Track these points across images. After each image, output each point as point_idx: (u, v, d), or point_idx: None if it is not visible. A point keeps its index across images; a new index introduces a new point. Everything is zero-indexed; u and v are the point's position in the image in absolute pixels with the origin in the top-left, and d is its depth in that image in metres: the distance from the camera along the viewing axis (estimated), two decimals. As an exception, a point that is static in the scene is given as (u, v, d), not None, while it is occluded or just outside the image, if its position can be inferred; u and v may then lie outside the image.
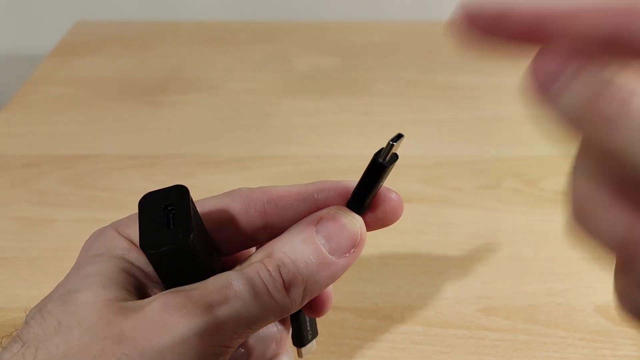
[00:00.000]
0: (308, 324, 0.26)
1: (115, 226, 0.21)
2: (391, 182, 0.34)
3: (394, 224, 0.38)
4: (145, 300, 0.19)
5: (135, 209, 0.20)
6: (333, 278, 0.21)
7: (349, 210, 0.22)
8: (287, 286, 0.20)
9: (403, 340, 0.30)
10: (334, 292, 0.32)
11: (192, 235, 0.19)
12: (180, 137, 0.45)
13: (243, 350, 0.24)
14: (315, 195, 0.22)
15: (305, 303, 0.21)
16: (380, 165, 0.22)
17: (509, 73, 0.53)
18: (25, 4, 0.68)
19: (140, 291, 0.20)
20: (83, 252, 0.22)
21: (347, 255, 0.21)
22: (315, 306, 0.25)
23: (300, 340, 0.25)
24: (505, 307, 0.31)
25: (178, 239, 0.19)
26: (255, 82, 0.52)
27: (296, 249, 0.20)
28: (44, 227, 0.37)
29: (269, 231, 0.22)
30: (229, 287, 0.19)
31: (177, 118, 0.48)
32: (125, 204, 0.38)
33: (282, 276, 0.20)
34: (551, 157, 0.42)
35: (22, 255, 0.35)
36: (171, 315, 0.18)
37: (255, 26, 0.62)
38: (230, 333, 0.19)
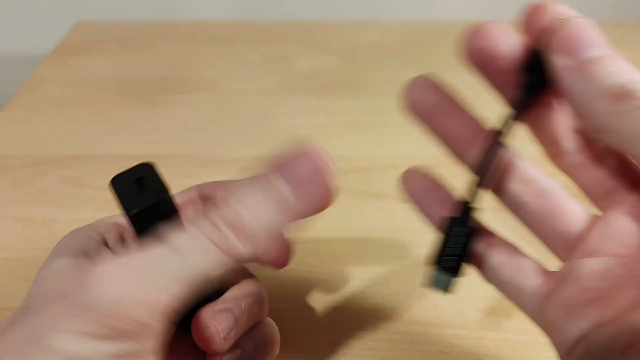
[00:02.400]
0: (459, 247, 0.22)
1: (86, 226, 0.23)
2: (392, 182, 0.34)
3: (395, 223, 0.39)
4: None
5: None
6: (296, 223, 0.20)
7: (313, 146, 0.20)
8: (242, 237, 0.19)
9: (403, 340, 0.30)
10: (333, 292, 0.33)
11: (168, 192, 0.20)
12: (180, 137, 0.45)
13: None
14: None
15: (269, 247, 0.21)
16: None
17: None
18: (25, 4, 0.69)
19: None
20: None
21: (311, 196, 0.20)
22: (276, 257, 0.25)
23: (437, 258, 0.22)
24: (506, 307, 0.31)
25: (158, 196, 0.20)
26: (256, 82, 0.52)
27: (251, 195, 0.19)
28: (44, 227, 0.37)
29: None
30: (169, 247, 0.18)
31: (177, 118, 0.48)
32: (125, 204, 0.38)
33: (233, 225, 0.19)
34: (551, 157, 0.42)
35: (22, 255, 0.35)
36: (108, 277, 0.18)
37: (255, 26, 0.62)
38: (177, 284, 0.18)
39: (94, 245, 0.22)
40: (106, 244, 0.22)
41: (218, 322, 0.22)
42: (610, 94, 0.17)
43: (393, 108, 0.50)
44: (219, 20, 0.66)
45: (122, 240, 0.23)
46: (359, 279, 0.33)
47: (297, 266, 0.26)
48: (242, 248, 0.19)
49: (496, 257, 0.22)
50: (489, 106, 0.52)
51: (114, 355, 0.17)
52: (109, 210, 0.32)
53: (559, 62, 0.18)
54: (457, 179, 0.40)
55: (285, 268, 0.28)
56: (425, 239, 0.36)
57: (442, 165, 0.43)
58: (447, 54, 0.58)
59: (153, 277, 0.18)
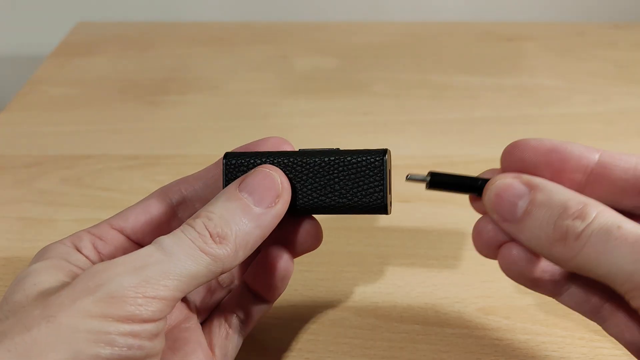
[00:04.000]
0: None
1: (62, 240, 0.24)
2: (392, 182, 0.34)
3: (395, 223, 0.39)
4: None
5: None
6: (263, 229, 0.22)
7: (269, 165, 0.24)
8: (217, 240, 0.21)
9: (402, 339, 0.30)
10: (333, 292, 0.33)
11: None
12: (181, 137, 0.45)
13: None
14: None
15: (244, 257, 0.22)
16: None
17: (508, 74, 0.53)
18: (26, 4, 0.69)
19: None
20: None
21: (273, 205, 0.23)
22: (267, 287, 0.26)
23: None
24: (505, 306, 0.31)
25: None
26: (256, 82, 0.52)
27: (221, 205, 0.22)
28: (45, 226, 0.37)
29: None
30: (157, 249, 0.21)
31: (178, 118, 0.48)
32: (125, 204, 0.38)
33: (209, 230, 0.21)
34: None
35: (23, 255, 0.35)
36: (100, 277, 0.19)
37: (255, 27, 0.62)
38: (165, 288, 0.20)
39: (72, 253, 0.23)
40: (81, 252, 0.24)
41: None
42: (554, 240, 0.20)
43: (393, 108, 0.50)
44: (219, 21, 0.66)
45: (94, 248, 0.24)
46: (359, 278, 0.33)
47: (296, 266, 0.27)
48: (219, 249, 0.21)
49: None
50: (489, 106, 0.53)
51: (128, 334, 0.19)
52: (109, 210, 0.32)
53: (507, 229, 0.22)
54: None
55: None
56: (424, 238, 0.36)
57: (442, 165, 0.43)
58: (447, 55, 0.58)
59: (148, 272, 0.20)
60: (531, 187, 0.21)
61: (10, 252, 0.35)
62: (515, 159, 0.23)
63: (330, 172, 0.24)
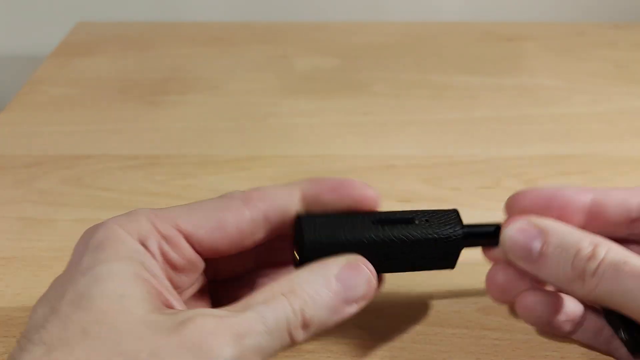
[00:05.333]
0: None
1: (121, 224, 0.21)
2: (391, 182, 0.34)
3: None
4: (178, 317, 0.19)
5: (135, 207, 0.21)
6: (338, 323, 0.22)
7: (366, 260, 0.23)
8: (304, 326, 0.21)
9: (402, 339, 0.30)
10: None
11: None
12: (181, 137, 0.45)
13: None
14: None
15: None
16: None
17: (508, 74, 0.53)
18: (26, 4, 0.69)
19: (156, 298, 0.20)
20: (81, 249, 0.21)
21: (356, 304, 0.23)
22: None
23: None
24: (505, 306, 0.31)
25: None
26: (256, 82, 0.52)
27: (319, 291, 0.21)
28: (45, 226, 0.37)
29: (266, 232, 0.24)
30: (260, 320, 0.20)
31: (178, 118, 0.48)
32: (126, 204, 0.38)
33: (303, 316, 0.21)
34: (550, 156, 0.42)
35: (23, 255, 0.35)
36: (207, 341, 0.18)
37: (255, 27, 0.62)
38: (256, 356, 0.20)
39: (151, 265, 0.21)
40: (152, 255, 0.22)
41: None
42: (573, 278, 0.22)
43: (393, 108, 0.50)
44: (219, 21, 0.66)
45: (162, 254, 0.22)
46: (359, 278, 0.33)
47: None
48: (301, 335, 0.21)
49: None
50: (489, 106, 0.53)
51: None
52: (109, 210, 0.32)
53: (527, 269, 0.24)
54: (457, 178, 0.40)
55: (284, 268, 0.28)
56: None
57: (442, 165, 0.43)
58: (447, 55, 0.58)
59: (245, 346, 0.19)
60: (543, 230, 0.23)
61: (10, 252, 0.35)
62: (520, 210, 0.25)
63: (410, 247, 0.25)
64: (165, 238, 0.22)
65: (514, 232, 0.24)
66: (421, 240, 0.24)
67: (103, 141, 0.45)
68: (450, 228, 0.25)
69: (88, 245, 0.21)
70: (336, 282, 0.22)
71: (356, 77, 0.53)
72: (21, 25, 0.70)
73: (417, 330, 0.30)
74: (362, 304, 0.23)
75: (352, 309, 0.22)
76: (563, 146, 0.44)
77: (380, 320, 0.31)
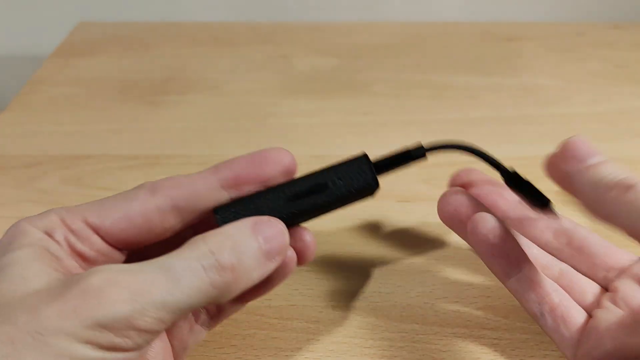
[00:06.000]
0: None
1: (29, 221, 0.22)
2: (392, 182, 0.34)
3: (394, 223, 0.39)
4: (73, 278, 0.19)
5: None
6: (258, 279, 0.22)
7: (278, 219, 0.23)
8: (229, 272, 0.20)
9: (402, 338, 0.30)
10: (333, 292, 0.33)
11: None
12: (181, 137, 0.45)
13: None
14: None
15: (231, 297, 0.21)
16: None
17: (508, 74, 0.53)
18: (27, 4, 0.69)
19: (62, 276, 0.20)
20: None
21: (274, 260, 0.22)
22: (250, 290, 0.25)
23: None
24: (504, 306, 0.31)
25: None
26: (256, 82, 0.52)
27: (243, 240, 0.21)
28: (45, 226, 0.37)
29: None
30: (164, 274, 0.19)
31: (178, 118, 0.48)
32: (125, 204, 0.38)
33: (224, 259, 0.20)
34: (550, 157, 0.42)
35: (24, 255, 0.35)
36: (95, 299, 0.18)
37: (255, 27, 0.62)
38: (159, 322, 0.19)
39: (56, 250, 0.21)
40: (57, 243, 0.22)
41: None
42: (616, 186, 0.22)
43: (393, 108, 0.50)
44: (219, 21, 0.67)
45: (68, 245, 0.22)
46: (358, 277, 0.33)
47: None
48: (230, 282, 0.20)
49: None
50: (489, 106, 0.53)
51: None
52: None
53: (571, 168, 0.24)
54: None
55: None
56: (424, 238, 0.36)
57: (442, 165, 0.43)
58: (447, 55, 0.58)
59: (147, 300, 0.19)
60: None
61: (11, 252, 0.35)
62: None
63: (328, 207, 0.25)
64: (72, 231, 0.22)
65: (582, 138, 0.25)
66: (338, 199, 0.24)
67: (103, 141, 0.45)
68: (363, 178, 0.24)
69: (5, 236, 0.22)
70: (255, 234, 0.22)
71: (356, 77, 0.53)
72: (21, 25, 0.70)
73: (417, 330, 0.30)
74: (278, 259, 0.22)
75: (272, 265, 0.22)
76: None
77: (379, 320, 0.31)
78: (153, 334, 0.19)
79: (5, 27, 0.70)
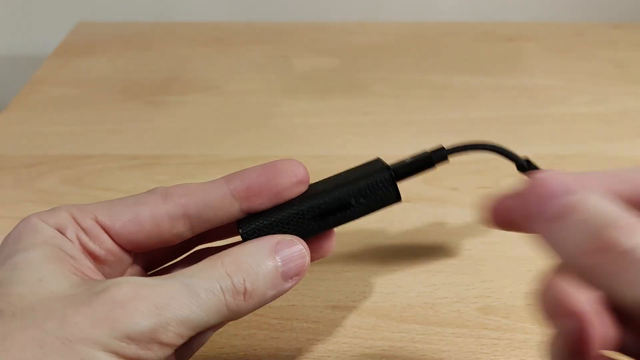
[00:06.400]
0: None
1: (40, 217, 0.22)
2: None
3: (395, 223, 0.39)
4: (97, 287, 0.19)
5: None
6: (273, 299, 0.22)
7: (300, 239, 0.23)
8: (247, 297, 0.21)
9: (402, 339, 0.30)
10: (333, 292, 0.33)
11: None
12: (181, 137, 0.45)
13: None
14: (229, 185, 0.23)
15: (244, 315, 0.21)
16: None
17: (508, 74, 0.53)
18: (27, 4, 0.69)
19: (77, 277, 0.20)
20: (2, 243, 0.22)
21: (291, 281, 0.22)
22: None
23: None
24: (504, 306, 0.31)
25: None
26: (256, 82, 0.52)
27: (260, 263, 0.21)
28: (45, 226, 0.37)
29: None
30: (185, 291, 0.20)
31: (178, 118, 0.48)
32: (125, 204, 0.38)
33: (245, 286, 0.21)
34: (550, 156, 0.42)
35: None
36: (119, 311, 0.19)
37: (255, 27, 0.62)
38: (179, 337, 0.19)
39: (69, 248, 0.21)
40: (70, 241, 0.22)
41: None
42: (588, 249, 0.16)
43: (393, 108, 0.50)
44: (219, 21, 0.67)
45: (80, 244, 0.22)
46: (358, 278, 0.33)
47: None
48: (244, 306, 0.21)
49: None
50: (489, 106, 0.53)
51: None
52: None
53: (533, 225, 0.18)
54: (457, 178, 0.40)
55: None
56: (424, 238, 0.36)
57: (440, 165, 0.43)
58: (447, 55, 0.58)
59: (170, 315, 0.19)
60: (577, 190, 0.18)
61: (11, 252, 0.35)
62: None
63: (351, 220, 0.24)
64: (83, 229, 0.22)
65: (549, 175, 0.18)
66: (360, 216, 0.24)
67: (103, 141, 0.45)
68: (387, 196, 0.24)
69: (7, 238, 0.22)
70: (275, 255, 0.22)
71: (356, 77, 0.53)
72: (21, 25, 0.70)
73: (417, 330, 0.30)
74: (297, 279, 0.22)
75: (289, 285, 0.22)
76: (563, 146, 0.44)
77: (379, 320, 0.31)
78: (172, 347, 0.19)
79: (5, 27, 0.70)
